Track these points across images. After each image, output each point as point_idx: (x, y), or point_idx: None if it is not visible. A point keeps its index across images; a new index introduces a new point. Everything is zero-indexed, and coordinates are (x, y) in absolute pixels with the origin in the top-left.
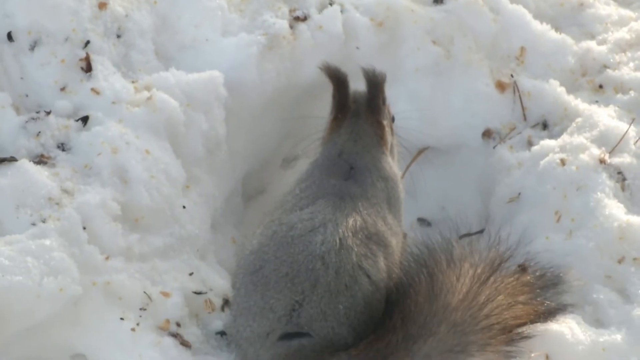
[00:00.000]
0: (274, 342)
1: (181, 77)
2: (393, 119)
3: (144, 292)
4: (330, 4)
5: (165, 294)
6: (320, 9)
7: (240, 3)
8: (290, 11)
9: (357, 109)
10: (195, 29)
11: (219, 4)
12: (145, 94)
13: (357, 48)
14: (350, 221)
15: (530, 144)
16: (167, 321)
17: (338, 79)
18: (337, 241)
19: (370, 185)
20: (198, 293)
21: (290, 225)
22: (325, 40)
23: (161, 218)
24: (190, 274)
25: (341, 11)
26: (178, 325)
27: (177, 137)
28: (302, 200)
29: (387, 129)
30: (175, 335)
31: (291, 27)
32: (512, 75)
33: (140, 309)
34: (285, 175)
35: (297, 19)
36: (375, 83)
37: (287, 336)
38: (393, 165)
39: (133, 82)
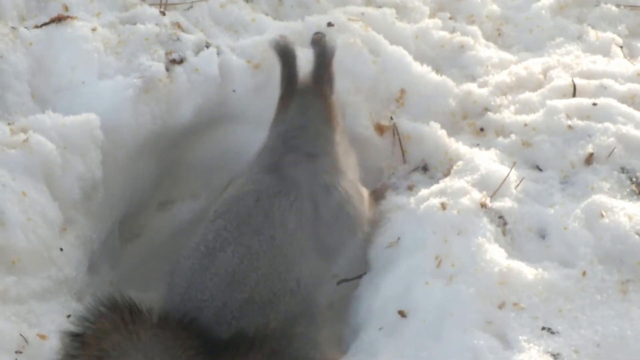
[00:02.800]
0: None
1: (57, 120)
2: None
3: (20, 335)
4: (207, 47)
5: (42, 337)
6: (197, 52)
7: (116, 46)
8: (167, 54)
9: (305, 85)
10: (72, 72)
11: (95, 46)
12: (22, 136)
13: (234, 91)
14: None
15: (410, 187)
16: None
17: (286, 53)
18: (229, 277)
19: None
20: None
21: (194, 247)
22: (202, 83)
23: (38, 260)
24: (68, 316)
25: (217, 53)
26: None
27: (54, 179)
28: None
29: (335, 104)
30: None
31: (167, 69)
32: (391, 118)
33: (16, 352)
34: (161, 218)
35: (173, 61)
36: (324, 56)
37: None
38: (342, 140)
39: (9, 124)
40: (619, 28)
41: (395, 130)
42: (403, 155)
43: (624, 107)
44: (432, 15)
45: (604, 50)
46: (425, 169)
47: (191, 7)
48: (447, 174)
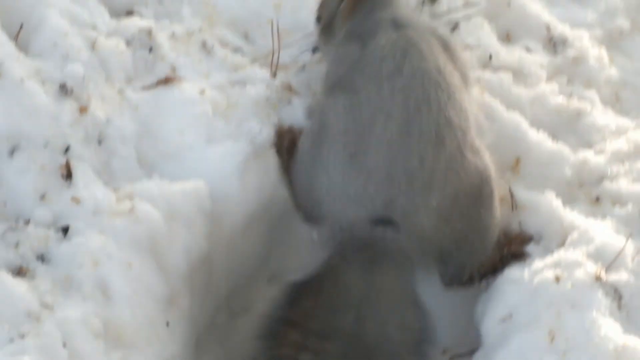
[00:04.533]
0: (362, 223)
1: (164, 187)
2: None
3: None
4: None
5: None
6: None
7: (225, 109)
8: (279, 119)
9: None
10: (179, 136)
11: (204, 110)
12: (127, 204)
13: None
14: (449, 108)
15: (524, 259)
16: None
17: None
18: (434, 135)
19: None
20: None
21: (386, 113)
22: None
23: (144, 335)
24: None
25: None
26: None
27: (160, 250)
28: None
29: None
30: None
31: None
32: (509, 188)
33: None
34: (272, 291)
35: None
36: None
37: (375, 220)
38: None
39: (115, 190)
40: None
41: (512, 199)
42: (520, 225)
43: None
44: (549, 80)
45: None
46: (539, 239)
47: (303, 69)
48: (561, 244)
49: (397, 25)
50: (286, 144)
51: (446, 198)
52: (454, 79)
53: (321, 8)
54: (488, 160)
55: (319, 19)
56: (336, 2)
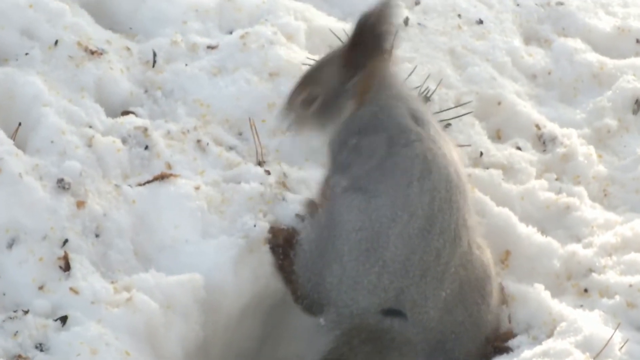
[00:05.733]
0: (373, 312)
1: (161, 279)
2: None
3: None
4: None
5: None
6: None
7: (220, 204)
8: (274, 218)
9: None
10: (175, 230)
11: (199, 205)
12: (125, 294)
13: None
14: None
15: (513, 349)
16: None
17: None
18: (453, 233)
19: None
20: None
21: (411, 211)
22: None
23: None
24: None
25: None
26: None
27: (157, 339)
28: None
29: None
30: None
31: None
32: (501, 283)
33: None
34: None
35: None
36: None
37: (385, 311)
38: None
39: (112, 282)
40: None
41: (504, 294)
42: (509, 318)
43: None
44: (538, 176)
45: None
46: (528, 329)
47: (301, 168)
48: (550, 335)
49: (416, 119)
50: (281, 242)
51: (454, 291)
52: (467, 179)
53: (307, 88)
54: (490, 258)
55: (307, 100)
56: (336, 79)
